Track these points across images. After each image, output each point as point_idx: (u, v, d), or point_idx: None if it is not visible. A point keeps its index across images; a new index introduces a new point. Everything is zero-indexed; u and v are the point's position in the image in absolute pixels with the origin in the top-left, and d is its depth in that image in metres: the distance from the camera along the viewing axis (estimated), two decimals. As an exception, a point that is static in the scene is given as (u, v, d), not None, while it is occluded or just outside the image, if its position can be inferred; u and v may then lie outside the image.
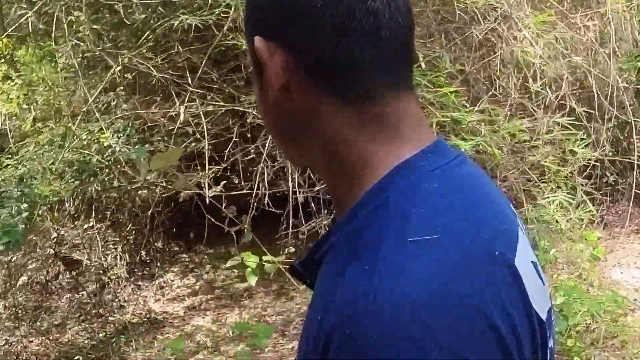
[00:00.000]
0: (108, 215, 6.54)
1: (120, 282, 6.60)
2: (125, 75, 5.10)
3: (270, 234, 5.75)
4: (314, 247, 0.81)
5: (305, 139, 0.80)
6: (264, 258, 4.43)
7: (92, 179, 4.33)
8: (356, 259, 0.68)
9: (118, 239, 6.62)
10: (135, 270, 6.95)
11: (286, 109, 0.78)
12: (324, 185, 4.80)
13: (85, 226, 6.21)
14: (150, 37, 4.90)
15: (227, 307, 6.32)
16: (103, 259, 6.37)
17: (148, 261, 7.15)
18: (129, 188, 4.55)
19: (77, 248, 6.72)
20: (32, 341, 6.33)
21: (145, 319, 6.25)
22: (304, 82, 0.76)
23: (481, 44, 5.43)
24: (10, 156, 6.68)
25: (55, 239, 6.48)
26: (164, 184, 4.50)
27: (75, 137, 4.52)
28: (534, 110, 5.25)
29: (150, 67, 4.53)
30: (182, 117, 4.09)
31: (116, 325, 6.25)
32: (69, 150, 4.55)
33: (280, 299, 6.40)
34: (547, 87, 5.14)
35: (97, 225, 6.40)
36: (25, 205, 3.96)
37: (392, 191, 0.71)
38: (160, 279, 6.93)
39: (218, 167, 4.38)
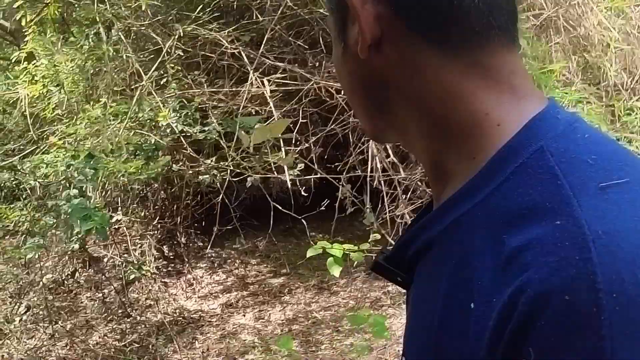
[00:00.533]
0: (134, 208, 5.96)
1: (148, 280, 6.01)
2: (177, 52, 4.58)
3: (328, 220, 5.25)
4: (409, 237, 0.70)
5: (397, 103, 0.69)
6: (346, 247, 3.97)
7: (158, 160, 3.77)
8: (530, 220, 0.56)
9: (150, 234, 6.04)
10: (159, 266, 6.38)
11: (377, 67, 0.67)
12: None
13: (114, 219, 5.61)
14: (207, 9, 4.41)
15: (267, 304, 5.81)
16: (132, 254, 5.79)
17: (172, 257, 6.58)
18: (189, 172, 4.01)
19: (101, 243, 6.11)
20: (55, 344, 5.71)
21: (180, 318, 5.69)
22: (402, 33, 0.65)
23: (546, 27, 5.11)
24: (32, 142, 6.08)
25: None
26: (231, 168, 3.98)
27: (134, 114, 3.97)
28: (598, 91, 4.97)
29: (221, 38, 4.02)
30: (267, 92, 3.59)
31: (148, 326, 5.68)
32: (127, 129, 4.00)
33: (322, 294, 5.92)
34: (623, 69, 4.84)
35: (124, 218, 5.82)
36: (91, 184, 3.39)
37: (545, 140, 0.60)
38: (189, 275, 6.37)
39: (299, 148, 3.87)
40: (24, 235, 5.81)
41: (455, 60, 0.64)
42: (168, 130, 3.94)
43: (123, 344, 5.43)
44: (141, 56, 4.95)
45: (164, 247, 6.55)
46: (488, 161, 0.62)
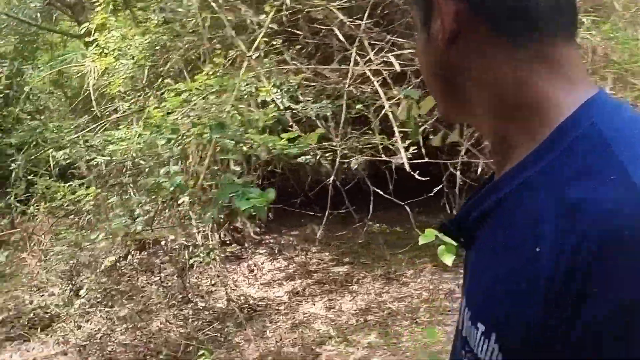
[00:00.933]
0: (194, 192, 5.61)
1: (208, 265, 5.67)
2: (270, 26, 4.25)
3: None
4: (474, 201, 0.78)
5: (470, 88, 0.78)
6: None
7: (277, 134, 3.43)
8: (587, 178, 0.64)
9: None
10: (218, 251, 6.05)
11: (454, 57, 0.77)
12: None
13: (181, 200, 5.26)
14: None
15: (335, 293, 5.50)
16: (196, 237, 5.46)
17: (228, 242, 6.26)
18: (295, 152, 3.67)
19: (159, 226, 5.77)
20: (113, 330, 5.38)
21: (246, 306, 5.38)
22: (477, 28, 0.74)
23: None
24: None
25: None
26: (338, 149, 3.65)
27: (237, 89, 3.64)
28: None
29: (334, 11, 3.70)
30: (397, 68, 3.26)
31: (212, 312, 5.36)
32: (231, 104, 3.68)
33: (391, 284, 5.62)
34: None
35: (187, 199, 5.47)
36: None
37: (596, 119, 0.69)
38: (249, 261, 6.05)
39: (404, 129, 3.53)
40: (89, 215, 5.49)
41: (522, 53, 0.73)
42: (272, 106, 3.61)
43: (188, 330, 5.11)
44: (220, 32, 4.64)
45: (220, 231, 6.24)
46: (549, 134, 0.70)
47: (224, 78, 3.59)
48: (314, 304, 5.33)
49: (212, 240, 5.66)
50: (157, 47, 5.17)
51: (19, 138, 6.28)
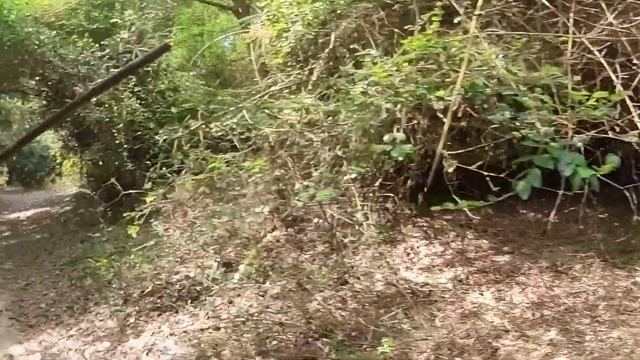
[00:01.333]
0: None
1: (378, 244, 5.31)
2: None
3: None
4: None
5: None
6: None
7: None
8: None
9: (371, 196, 5.35)
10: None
11: None
12: None
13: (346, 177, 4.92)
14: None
15: (502, 283, 5.04)
16: (358, 216, 5.12)
17: (380, 224, 5.90)
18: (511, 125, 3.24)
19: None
20: (267, 307, 5.11)
21: (408, 291, 4.99)
22: None
23: None
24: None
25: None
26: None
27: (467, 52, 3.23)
28: None
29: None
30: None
31: (372, 295, 5.01)
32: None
33: (561, 278, 5.10)
34: None
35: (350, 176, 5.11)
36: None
37: None
38: (404, 244, 5.67)
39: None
40: (256, 187, 5.25)
41: None
42: (493, 73, 3.19)
43: (349, 312, 4.78)
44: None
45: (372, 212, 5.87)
46: None
47: (444, 41, 3.21)
48: (482, 294, 4.89)
49: (370, 220, 5.31)
50: (321, 18, 4.86)
51: (179, 109, 6.10)
